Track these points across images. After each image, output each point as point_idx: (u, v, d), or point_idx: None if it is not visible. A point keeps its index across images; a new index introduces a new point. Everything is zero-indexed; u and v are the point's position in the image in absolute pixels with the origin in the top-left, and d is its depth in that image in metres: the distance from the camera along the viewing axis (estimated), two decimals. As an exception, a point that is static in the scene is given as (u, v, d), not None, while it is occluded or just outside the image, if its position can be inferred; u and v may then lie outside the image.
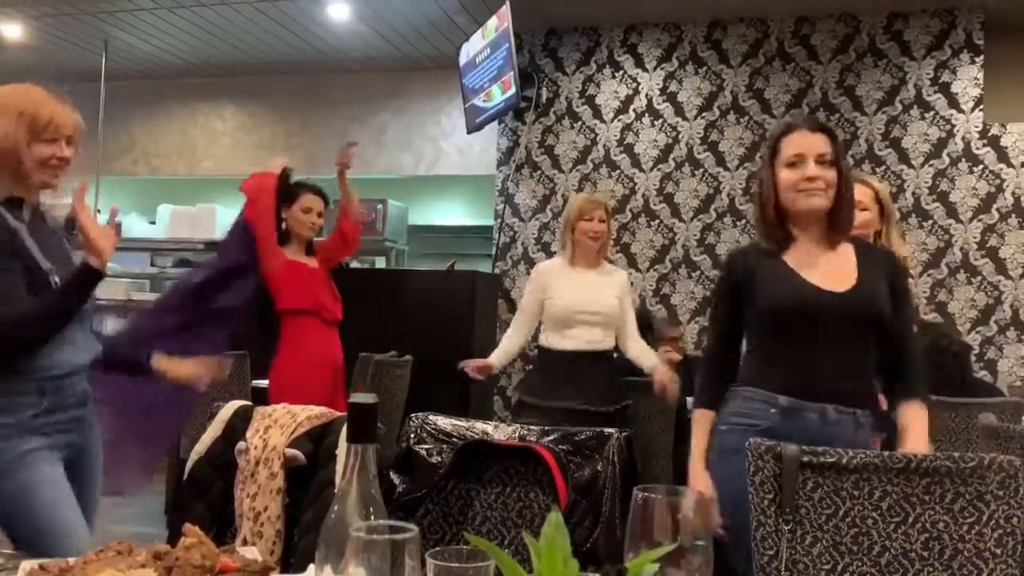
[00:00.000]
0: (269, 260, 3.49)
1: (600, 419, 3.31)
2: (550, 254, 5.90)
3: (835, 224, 2.03)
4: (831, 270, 2.02)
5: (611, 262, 3.89)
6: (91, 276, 1.95)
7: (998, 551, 1.38)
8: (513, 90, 5.58)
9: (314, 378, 3.49)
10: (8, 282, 1.88)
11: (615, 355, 3.71)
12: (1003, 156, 5.56)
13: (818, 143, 2.00)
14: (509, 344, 3.69)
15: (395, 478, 1.70)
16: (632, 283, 6.03)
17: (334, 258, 3.80)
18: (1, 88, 2.03)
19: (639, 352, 3.64)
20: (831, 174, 2.00)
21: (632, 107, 6.19)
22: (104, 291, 2.56)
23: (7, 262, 1.90)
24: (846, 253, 2.03)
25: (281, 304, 3.55)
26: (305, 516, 1.60)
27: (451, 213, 8.67)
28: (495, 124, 6.32)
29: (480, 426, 1.77)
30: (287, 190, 3.56)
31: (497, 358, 3.69)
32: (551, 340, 3.56)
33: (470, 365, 3.64)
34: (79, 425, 2.07)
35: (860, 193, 2.50)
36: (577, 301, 3.51)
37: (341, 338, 3.75)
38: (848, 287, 2.00)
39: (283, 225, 3.59)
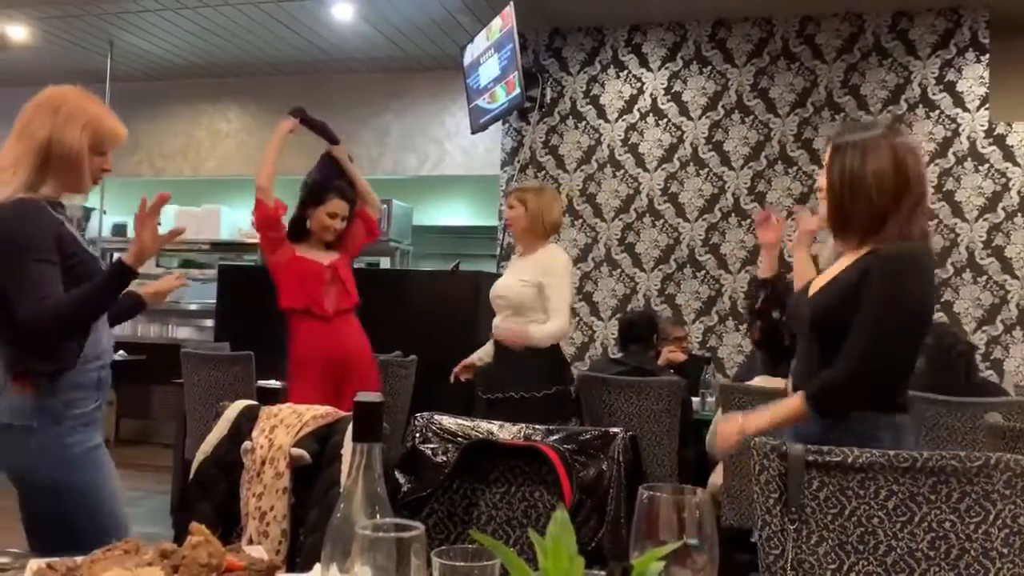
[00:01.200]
0: (282, 248, 3.57)
1: (527, 404, 3.34)
2: (554, 254, 5.90)
3: (831, 228, 2.04)
4: (828, 274, 2.04)
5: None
6: (126, 274, 1.96)
7: (1005, 550, 1.38)
8: (517, 91, 5.58)
9: (309, 375, 3.49)
10: (46, 273, 1.90)
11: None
12: (1009, 155, 5.54)
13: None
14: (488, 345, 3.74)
15: (400, 478, 1.70)
16: (636, 282, 6.03)
17: (356, 241, 3.76)
18: (65, 92, 2.05)
19: (542, 320, 3.51)
20: (823, 181, 2.02)
21: (636, 107, 6.18)
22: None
23: (48, 254, 1.91)
24: (853, 256, 2.01)
25: (280, 303, 3.56)
26: (311, 515, 1.60)
27: (455, 213, 8.67)
28: (499, 124, 6.32)
29: (485, 425, 1.77)
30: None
31: (477, 354, 3.70)
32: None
33: (457, 371, 3.70)
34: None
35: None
36: (495, 287, 3.61)
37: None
38: (815, 291, 2.03)
39: (307, 223, 3.61)
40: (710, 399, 4.28)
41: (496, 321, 3.58)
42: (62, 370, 1.94)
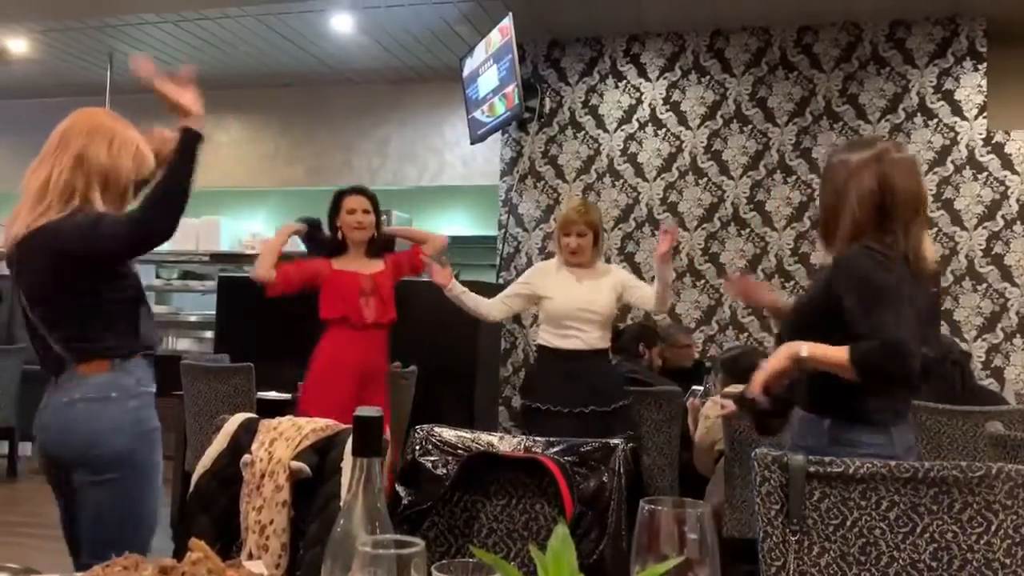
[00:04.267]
0: (318, 277, 3.67)
1: (602, 418, 3.38)
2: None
3: (820, 238, 2.20)
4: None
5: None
6: (194, 138, 2.07)
7: (1007, 561, 1.38)
8: (516, 103, 5.60)
9: (331, 383, 3.54)
10: (114, 216, 2.05)
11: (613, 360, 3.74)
12: (1007, 163, 5.55)
13: None
14: (482, 300, 3.71)
15: (400, 490, 1.70)
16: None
17: (400, 268, 3.85)
18: (111, 119, 2.16)
19: (645, 295, 3.59)
20: None
21: (635, 117, 6.20)
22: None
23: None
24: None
25: (320, 315, 3.68)
26: (310, 529, 1.60)
27: (455, 224, 8.67)
28: (498, 135, 6.34)
29: (485, 437, 1.77)
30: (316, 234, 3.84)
31: (460, 287, 3.67)
32: (549, 339, 3.59)
33: (435, 272, 3.65)
34: None
35: None
36: (573, 300, 3.55)
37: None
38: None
39: (339, 234, 3.73)
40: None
41: (571, 332, 3.54)
42: (132, 351, 2.08)
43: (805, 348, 1.93)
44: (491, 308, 3.71)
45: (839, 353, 1.89)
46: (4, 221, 2.14)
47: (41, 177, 2.06)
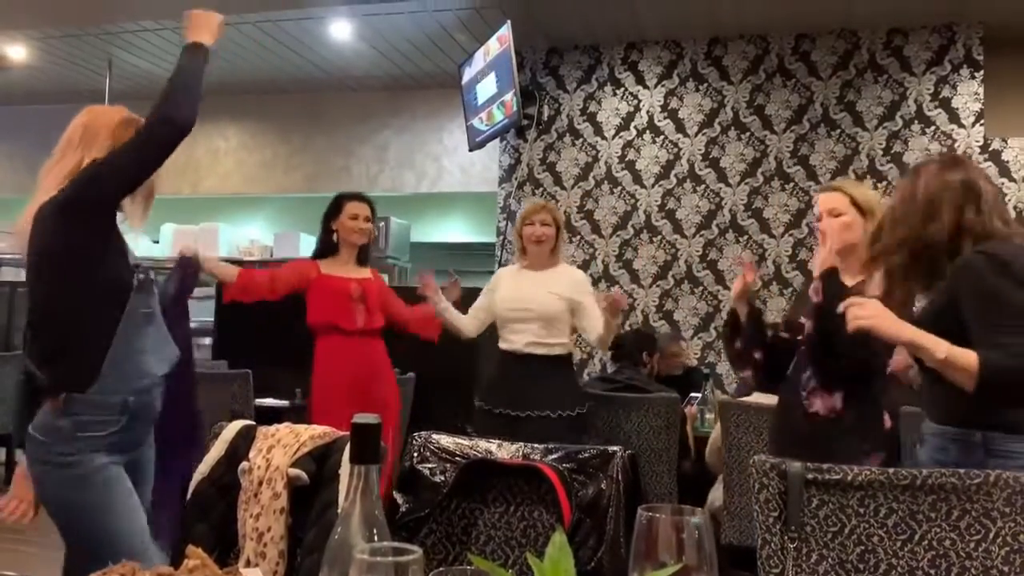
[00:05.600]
0: (303, 279, 3.60)
1: (550, 424, 3.30)
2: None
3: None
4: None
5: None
6: (204, 51, 2.15)
7: (1005, 568, 1.37)
8: (514, 112, 5.62)
9: (334, 395, 3.50)
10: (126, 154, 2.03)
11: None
12: (1005, 170, 5.57)
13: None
14: (461, 316, 3.68)
15: (398, 497, 1.70)
16: (634, 299, 6.04)
17: (392, 311, 3.76)
18: (125, 112, 2.16)
19: (592, 327, 3.46)
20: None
21: (633, 124, 6.21)
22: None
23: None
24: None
25: (307, 320, 3.63)
26: (308, 536, 1.60)
27: (453, 230, 8.69)
28: (497, 142, 6.35)
29: (483, 444, 1.77)
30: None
31: (444, 303, 3.64)
32: (501, 340, 3.59)
33: (428, 285, 3.60)
34: (147, 440, 2.15)
35: (835, 200, 2.56)
36: (513, 299, 3.53)
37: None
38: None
39: (334, 236, 3.68)
40: (709, 415, 4.29)
41: (509, 335, 3.52)
42: (74, 392, 1.97)
43: (945, 349, 1.84)
44: (464, 324, 3.68)
45: (965, 359, 1.82)
46: (15, 227, 2.08)
47: (68, 166, 2.03)
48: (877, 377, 2.50)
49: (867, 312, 1.92)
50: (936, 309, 1.98)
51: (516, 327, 3.50)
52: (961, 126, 5.62)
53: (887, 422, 2.50)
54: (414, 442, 1.78)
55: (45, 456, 1.98)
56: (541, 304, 3.46)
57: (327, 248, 3.70)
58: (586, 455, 1.67)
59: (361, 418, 0.87)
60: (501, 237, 6.38)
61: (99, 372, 1.98)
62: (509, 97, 5.62)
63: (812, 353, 2.50)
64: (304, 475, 1.63)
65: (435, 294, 3.60)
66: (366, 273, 3.73)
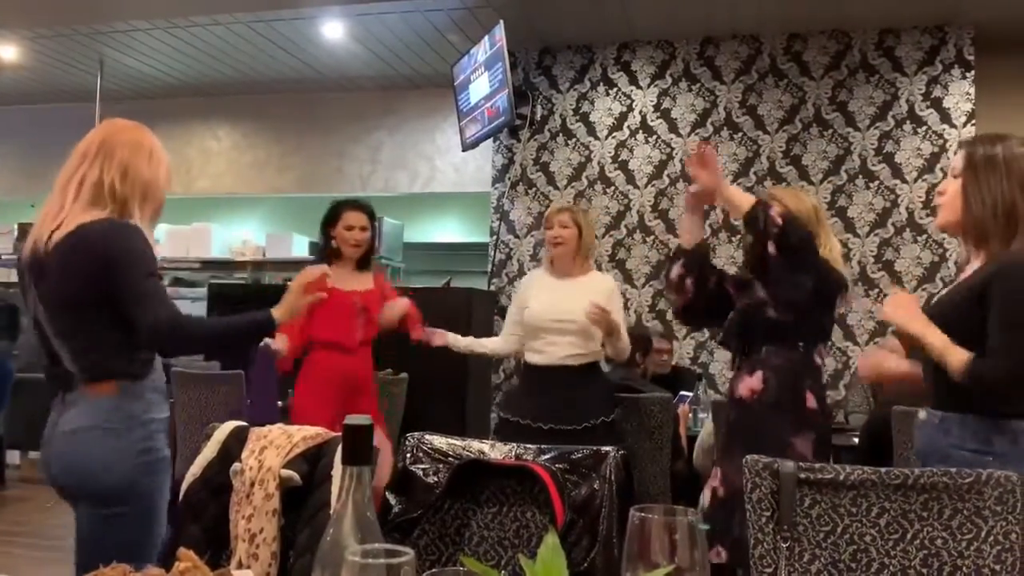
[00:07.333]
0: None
1: (574, 436, 3.19)
2: (546, 271, 5.91)
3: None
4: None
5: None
6: (271, 325, 2.14)
7: (997, 567, 1.38)
8: (507, 114, 5.61)
9: (320, 399, 3.49)
10: (160, 288, 2.02)
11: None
12: (996, 170, 5.58)
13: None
14: (490, 341, 3.69)
15: (391, 498, 1.69)
16: (627, 298, 6.04)
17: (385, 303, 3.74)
18: (149, 135, 2.18)
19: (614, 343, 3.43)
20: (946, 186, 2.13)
21: (626, 124, 6.21)
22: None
23: (156, 269, 2.04)
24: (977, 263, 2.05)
25: (309, 331, 3.60)
26: (300, 537, 1.59)
27: (447, 230, 8.68)
28: (490, 142, 6.34)
29: (476, 445, 1.77)
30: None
31: (464, 339, 3.66)
32: (527, 352, 3.51)
33: (435, 336, 3.64)
34: None
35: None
36: (554, 310, 3.42)
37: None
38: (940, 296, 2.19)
39: (332, 243, 3.67)
40: (702, 415, 4.29)
41: (546, 346, 3.41)
42: (143, 374, 2.05)
43: (941, 350, 1.90)
44: (500, 347, 3.68)
45: (957, 355, 1.86)
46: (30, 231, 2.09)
47: (91, 179, 2.03)
48: (799, 356, 2.52)
49: (892, 303, 2.01)
50: (965, 298, 1.96)
51: (554, 339, 3.41)
52: (952, 126, 5.64)
53: (810, 402, 2.49)
54: (407, 443, 1.78)
55: (117, 443, 1.98)
56: (581, 314, 3.29)
57: (327, 255, 3.70)
58: (579, 455, 1.67)
59: (353, 419, 0.87)
60: (494, 237, 6.38)
61: (154, 357, 2.10)
62: (502, 97, 5.62)
63: (737, 325, 2.60)
64: (296, 476, 1.63)
65: (445, 339, 3.64)
66: (367, 282, 3.70)
